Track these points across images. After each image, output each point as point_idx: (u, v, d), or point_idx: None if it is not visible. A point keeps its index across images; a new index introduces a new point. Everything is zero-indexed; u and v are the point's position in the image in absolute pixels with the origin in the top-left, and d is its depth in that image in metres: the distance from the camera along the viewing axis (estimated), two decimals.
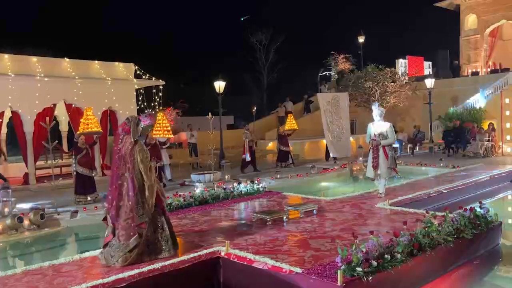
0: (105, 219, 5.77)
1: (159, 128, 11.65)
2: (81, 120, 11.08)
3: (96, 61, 15.39)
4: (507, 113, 17.43)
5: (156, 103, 18.10)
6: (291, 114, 17.37)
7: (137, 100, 16.72)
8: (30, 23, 34.72)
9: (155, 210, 5.72)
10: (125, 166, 5.56)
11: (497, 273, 6.54)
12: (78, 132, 10.84)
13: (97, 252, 6.09)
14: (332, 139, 16.58)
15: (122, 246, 5.46)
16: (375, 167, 9.26)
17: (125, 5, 39.92)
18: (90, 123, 10.88)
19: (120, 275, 4.97)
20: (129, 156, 5.57)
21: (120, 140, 5.71)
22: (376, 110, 9.40)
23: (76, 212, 9.39)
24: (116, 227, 5.57)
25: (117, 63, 15.94)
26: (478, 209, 6.88)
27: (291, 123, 16.33)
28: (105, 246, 5.62)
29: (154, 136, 11.73)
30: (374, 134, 9.27)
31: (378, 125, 9.30)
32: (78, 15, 37.69)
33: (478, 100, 19.28)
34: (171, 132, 12.09)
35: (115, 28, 37.05)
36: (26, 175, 13.60)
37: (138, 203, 5.52)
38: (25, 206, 9.93)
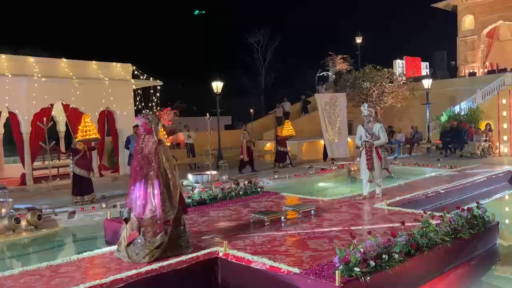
0: (126, 219, 5.78)
1: None
2: (79, 127, 10.92)
3: (94, 61, 15.34)
4: (504, 113, 17.48)
5: (153, 104, 18.08)
6: (288, 121, 17.35)
7: (135, 101, 16.69)
8: (27, 23, 34.63)
9: (178, 208, 5.84)
10: (150, 165, 5.65)
11: (495, 273, 6.56)
12: (76, 140, 10.75)
13: (95, 252, 6.09)
14: (330, 140, 16.61)
15: (149, 243, 5.55)
16: (370, 168, 9.19)
17: (125, 4, 39.87)
18: (88, 130, 10.77)
19: (118, 276, 4.96)
20: (154, 156, 5.65)
21: (141, 140, 5.78)
22: (365, 111, 9.31)
23: (74, 212, 9.38)
24: (141, 225, 5.64)
25: (114, 63, 15.90)
26: (475, 209, 6.89)
27: (288, 129, 16.34)
28: (129, 244, 5.63)
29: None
30: (366, 136, 9.21)
31: (369, 126, 9.24)
32: (76, 15, 37.64)
33: (475, 100, 19.35)
34: (166, 136, 12.11)
35: (114, 28, 37.00)
36: (23, 176, 13.55)
37: (164, 201, 5.64)
38: (22, 206, 9.90)
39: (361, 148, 9.43)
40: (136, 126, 14.05)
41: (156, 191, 5.62)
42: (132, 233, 5.65)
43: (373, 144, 9.14)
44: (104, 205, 9.87)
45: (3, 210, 8.62)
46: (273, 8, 42.87)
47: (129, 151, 13.58)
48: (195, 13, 38.13)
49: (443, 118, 19.08)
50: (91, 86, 14.77)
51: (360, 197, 9.41)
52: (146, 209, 5.63)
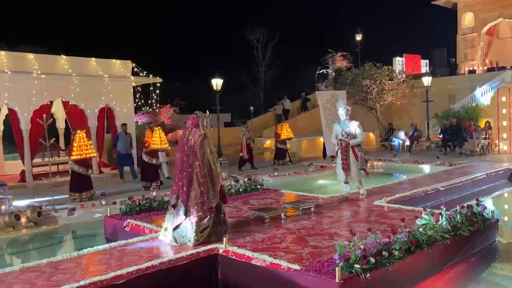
0: (174, 205, 6.23)
1: (157, 140, 11.72)
2: (74, 144, 10.43)
3: (93, 58, 15.32)
4: (504, 111, 17.48)
5: (153, 101, 18.08)
6: (286, 124, 17.36)
7: (134, 98, 16.68)
8: (26, 20, 34.56)
9: (219, 196, 6.34)
10: (195, 156, 6.12)
11: (493, 270, 6.58)
12: (72, 158, 10.49)
13: (95, 248, 6.10)
14: (331, 137, 16.61)
15: (195, 227, 6.00)
16: (346, 169, 8.71)
17: (124, 1, 39.78)
18: (84, 147, 10.44)
19: (119, 272, 4.97)
20: (199, 147, 6.13)
21: (188, 132, 6.31)
22: (341, 109, 8.94)
23: (74, 209, 9.40)
24: (187, 210, 6.10)
25: (114, 60, 15.88)
26: (475, 207, 6.90)
27: (287, 132, 16.35)
28: (175, 228, 6.09)
29: (152, 147, 11.76)
30: (342, 134, 8.75)
31: (345, 124, 8.81)
32: (76, 11, 37.57)
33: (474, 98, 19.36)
34: (168, 144, 12.18)
35: (113, 25, 36.94)
36: (23, 173, 13.56)
37: (208, 189, 6.12)
38: (22, 203, 9.91)
39: (337, 148, 8.98)
40: (124, 125, 14.02)
41: (201, 180, 6.09)
42: (179, 218, 6.11)
43: (349, 143, 8.68)
44: (104, 202, 9.88)
45: (3, 207, 8.64)
46: (273, 5, 42.80)
47: (117, 149, 13.62)
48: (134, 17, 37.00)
49: (444, 117, 19.01)
50: (90, 83, 14.76)
51: (342, 198, 8.97)
52: (191, 196, 6.10)
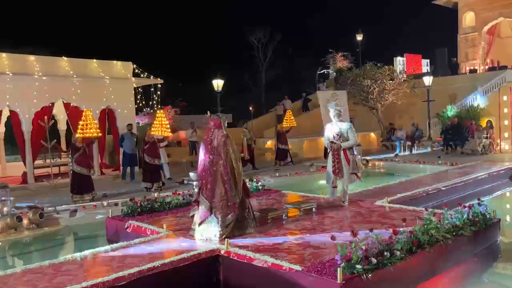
0: (196, 201, 6.63)
1: (158, 126, 11.61)
2: (80, 122, 10.79)
3: (94, 60, 15.35)
4: (505, 110, 17.47)
5: (154, 102, 18.10)
6: (289, 111, 17.37)
7: (136, 99, 16.70)
8: (27, 22, 34.62)
9: (243, 192, 6.66)
10: (218, 155, 6.47)
11: (496, 270, 6.57)
12: (76, 136, 10.64)
13: (97, 250, 6.10)
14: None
15: (220, 222, 6.32)
16: (337, 173, 8.20)
17: (125, 2, 39.83)
18: (90, 127, 10.64)
19: (121, 274, 4.97)
20: (222, 147, 6.48)
21: (211, 133, 6.64)
22: (332, 111, 8.41)
23: (75, 211, 9.40)
24: (212, 206, 6.43)
25: (115, 61, 15.91)
26: (476, 206, 6.89)
27: (289, 120, 16.34)
28: (201, 223, 6.43)
29: (152, 133, 11.72)
30: (333, 137, 8.28)
31: (337, 126, 8.34)
32: (77, 13, 37.63)
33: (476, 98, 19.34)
34: (169, 130, 12.04)
35: (114, 26, 36.99)
36: (24, 174, 13.58)
37: (231, 187, 6.45)
38: (24, 205, 9.92)
39: (328, 150, 8.49)
40: (130, 125, 14.08)
41: (225, 178, 6.44)
42: (204, 213, 6.45)
43: (341, 146, 8.19)
44: (105, 203, 9.89)
45: (5, 209, 8.65)
46: (274, 6, 42.79)
47: (123, 149, 13.64)
48: None
49: (448, 113, 18.93)
50: (92, 85, 14.79)
51: (343, 203, 8.48)
52: (215, 193, 6.43)
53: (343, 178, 8.28)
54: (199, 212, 6.56)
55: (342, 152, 8.23)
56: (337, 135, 8.27)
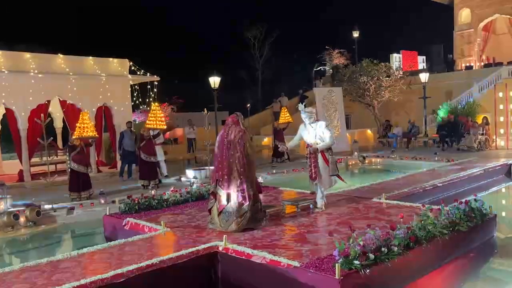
0: (213, 193, 6.88)
1: (153, 119, 11.57)
2: (77, 124, 10.78)
3: (90, 57, 15.28)
4: (501, 107, 17.55)
5: (151, 99, 18.04)
6: (285, 108, 17.39)
7: (132, 96, 16.66)
8: (23, 19, 34.42)
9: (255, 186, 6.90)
10: (235, 149, 6.71)
11: (492, 265, 6.61)
12: (73, 137, 10.68)
13: (95, 247, 6.10)
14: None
15: (236, 212, 6.60)
16: (314, 177, 7.64)
17: (120, 2, 39.65)
18: (86, 127, 10.65)
19: (119, 271, 4.97)
20: (239, 141, 6.73)
21: (228, 128, 6.90)
22: (303, 114, 7.76)
23: (73, 208, 9.39)
24: (229, 197, 6.70)
25: (111, 59, 15.84)
26: (473, 202, 6.93)
27: (285, 116, 16.36)
28: (220, 213, 6.69)
29: (147, 126, 11.68)
30: (309, 141, 7.71)
31: (312, 128, 7.69)
32: (72, 10, 37.44)
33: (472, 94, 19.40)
34: (164, 123, 12.00)
35: (110, 23, 36.83)
36: (21, 172, 13.53)
37: (247, 178, 6.70)
38: (21, 203, 9.89)
39: (306, 154, 7.92)
40: (129, 122, 14.06)
41: (241, 170, 6.68)
42: (222, 203, 6.73)
43: (317, 149, 7.59)
44: (103, 201, 9.88)
45: (2, 207, 8.63)
46: (270, 2, 42.73)
47: (123, 147, 13.62)
48: None
49: (441, 112, 19.06)
50: (88, 82, 14.73)
51: (312, 209, 7.87)
52: (232, 184, 6.69)
53: (323, 182, 7.71)
54: (216, 204, 6.81)
55: (320, 155, 7.62)
56: (315, 136, 7.66)
